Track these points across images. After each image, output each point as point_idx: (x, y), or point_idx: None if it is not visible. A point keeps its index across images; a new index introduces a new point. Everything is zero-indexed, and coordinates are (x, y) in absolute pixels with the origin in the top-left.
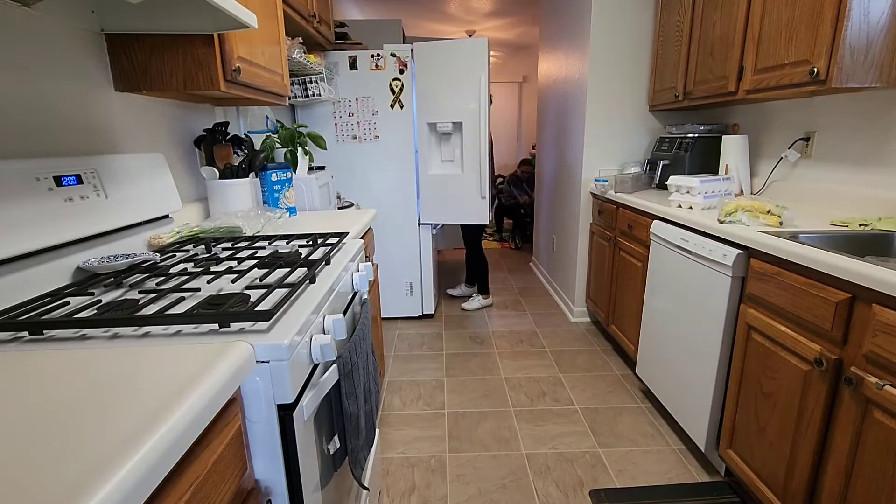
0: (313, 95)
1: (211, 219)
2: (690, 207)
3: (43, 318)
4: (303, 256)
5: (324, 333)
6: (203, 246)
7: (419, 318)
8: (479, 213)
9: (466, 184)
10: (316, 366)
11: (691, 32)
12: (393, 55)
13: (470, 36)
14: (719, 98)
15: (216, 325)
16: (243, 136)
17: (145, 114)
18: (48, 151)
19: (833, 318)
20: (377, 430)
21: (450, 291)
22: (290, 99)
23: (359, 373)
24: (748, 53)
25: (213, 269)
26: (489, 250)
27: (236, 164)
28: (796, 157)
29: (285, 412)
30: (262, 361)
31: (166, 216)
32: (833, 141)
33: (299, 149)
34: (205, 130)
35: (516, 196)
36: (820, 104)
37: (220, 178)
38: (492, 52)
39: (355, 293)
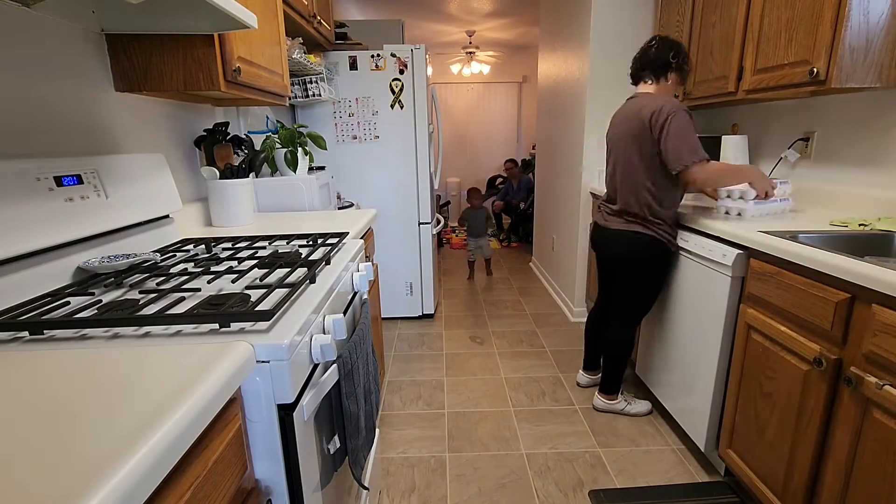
0: (313, 95)
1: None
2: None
3: (43, 318)
4: (303, 256)
5: (324, 333)
6: (203, 246)
7: (419, 318)
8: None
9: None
10: (316, 366)
11: (691, 32)
12: (393, 55)
13: (470, 36)
14: (719, 98)
15: (216, 325)
16: (243, 137)
17: (145, 114)
18: (48, 151)
19: (833, 318)
20: (377, 430)
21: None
22: (290, 99)
23: (359, 373)
24: (748, 53)
25: (213, 269)
26: None
27: (236, 164)
28: (796, 157)
29: (285, 412)
30: (263, 361)
31: (166, 216)
32: (833, 141)
33: (299, 149)
34: (205, 130)
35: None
36: (820, 104)
37: (221, 178)
38: (492, 52)
39: (355, 293)
